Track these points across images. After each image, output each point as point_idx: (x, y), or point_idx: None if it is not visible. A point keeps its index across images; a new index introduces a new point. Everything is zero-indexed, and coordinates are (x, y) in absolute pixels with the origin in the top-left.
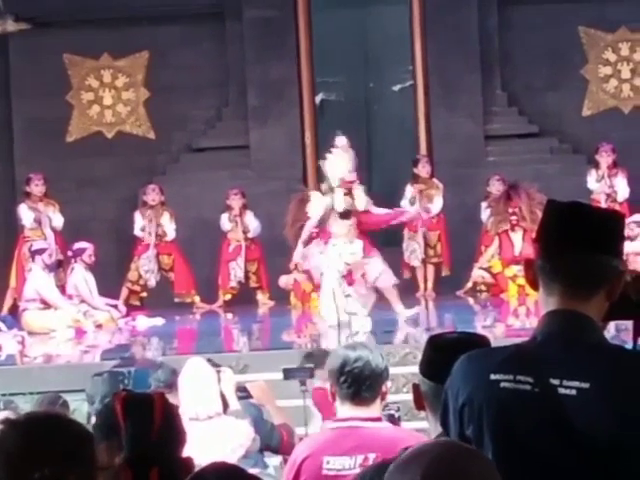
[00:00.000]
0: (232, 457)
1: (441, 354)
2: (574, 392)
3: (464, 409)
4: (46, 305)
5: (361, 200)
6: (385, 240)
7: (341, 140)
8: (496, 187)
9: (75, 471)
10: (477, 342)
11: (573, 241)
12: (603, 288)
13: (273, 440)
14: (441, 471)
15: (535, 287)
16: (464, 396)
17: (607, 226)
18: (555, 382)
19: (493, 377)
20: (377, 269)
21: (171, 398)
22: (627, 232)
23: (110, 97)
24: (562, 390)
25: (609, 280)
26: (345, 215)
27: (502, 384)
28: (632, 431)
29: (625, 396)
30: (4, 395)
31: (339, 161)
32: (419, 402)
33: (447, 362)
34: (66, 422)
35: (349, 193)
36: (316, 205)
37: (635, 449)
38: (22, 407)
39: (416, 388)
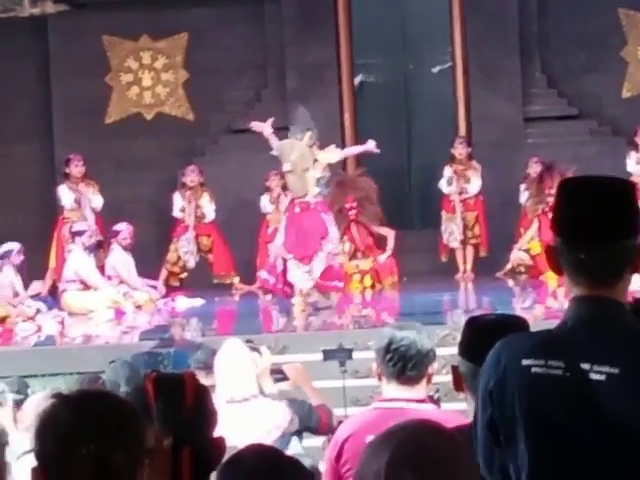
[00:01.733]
0: (267, 439)
1: (480, 336)
2: (604, 377)
3: (492, 394)
4: (86, 286)
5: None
6: (423, 222)
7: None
8: (534, 169)
9: (122, 449)
10: (516, 324)
11: (595, 234)
12: (629, 268)
13: (312, 421)
14: (408, 454)
15: (559, 272)
16: (493, 381)
17: (624, 208)
18: (586, 367)
19: (525, 362)
20: None
21: (210, 379)
22: None
23: (149, 78)
24: (593, 375)
25: (634, 259)
26: None
27: (533, 369)
28: None
29: None
30: (22, 377)
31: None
32: (458, 384)
33: (486, 344)
34: (117, 400)
35: None
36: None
37: None
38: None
39: (455, 370)
